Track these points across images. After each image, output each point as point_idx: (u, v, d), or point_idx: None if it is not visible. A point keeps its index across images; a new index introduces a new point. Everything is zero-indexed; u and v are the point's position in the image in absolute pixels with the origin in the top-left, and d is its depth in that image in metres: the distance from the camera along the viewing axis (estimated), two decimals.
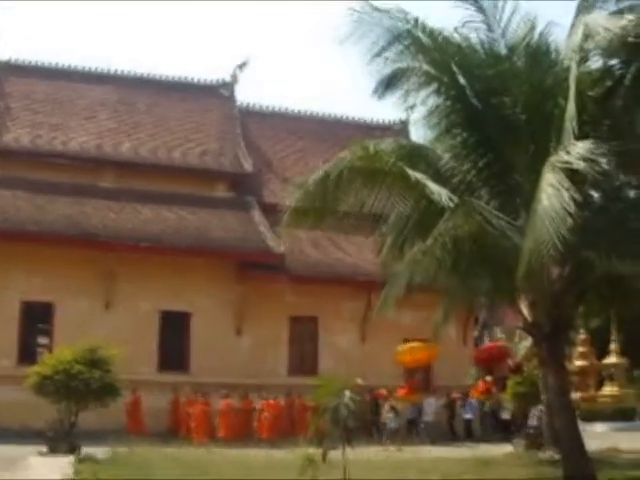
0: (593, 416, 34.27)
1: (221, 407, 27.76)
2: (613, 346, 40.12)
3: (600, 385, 40.85)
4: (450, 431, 31.18)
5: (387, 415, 28.53)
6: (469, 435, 30.09)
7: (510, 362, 45.64)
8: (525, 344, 43.88)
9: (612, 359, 40.12)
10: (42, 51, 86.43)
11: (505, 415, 30.33)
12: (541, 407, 29.29)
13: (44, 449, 20.30)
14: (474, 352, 32.25)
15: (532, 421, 28.74)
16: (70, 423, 20.94)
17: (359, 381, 8.84)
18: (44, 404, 21.66)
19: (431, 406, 29.82)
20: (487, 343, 32.09)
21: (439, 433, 29.41)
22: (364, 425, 28.13)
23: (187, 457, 17.57)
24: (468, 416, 30.84)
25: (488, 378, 36.33)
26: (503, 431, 30.28)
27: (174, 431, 27.24)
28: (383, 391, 29.77)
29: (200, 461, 17.34)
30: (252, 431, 27.85)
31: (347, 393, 8.53)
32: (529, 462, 20.56)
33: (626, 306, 19.54)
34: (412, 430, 29.58)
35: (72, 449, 19.45)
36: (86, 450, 19.07)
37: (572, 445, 15.44)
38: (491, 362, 32.17)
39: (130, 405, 26.60)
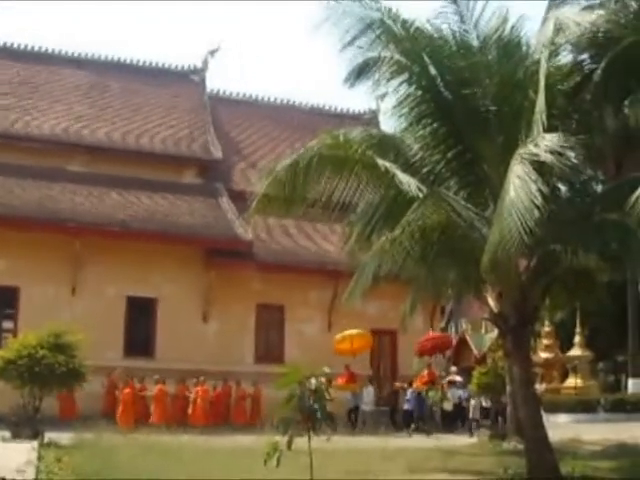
0: (556, 407, 34.60)
1: (154, 393, 27.37)
2: (577, 339, 40.58)
3: (564, 377, 41.29)
4: (391, 421, 30.84)
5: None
6: (408, 426, 29.62)
7: (475, 352, 46.01)
8: (491, 335, 44.24)
9: (576, 352, 40.58)
10: (13, 33, 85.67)
11: (448, 406, 30.09)
12: (482, 398, 29.72)
13: (7, 434, 20.16)
14: (418, 342, 31.60)
15: (475, 414, 29.04)
16: (34, 408, 20.80)
17: (325, 369, 8.83)
18: (7, 389, 21.53)
19: (370, 395, 29.37)
20: (430, 333, 31.42)
21: (381, 423, 28.77)
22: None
23: (154, 443, 17.49)
24: (407, 406, 30.42)
25: (453, 369, 36.54)
26: (447, 422, 30.23)
27: (108, 415, 26.26)
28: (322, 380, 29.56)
29: (166, 447, 17.27)
30: (186, 418, 27.34)
31: (313, 381, 8.53)
32: (492, 452, 20.69)
33: (591, 299, 19.71)
34: (351, 419, 29.20)
35: (35, 434, 19.32)
36: (50, 436, 18.94)
37: (535, 435, 15.56)
38: (434, 352, 31.76)
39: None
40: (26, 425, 20.27)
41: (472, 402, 29.02)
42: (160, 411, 26.95)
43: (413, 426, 28.64)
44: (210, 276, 30.75)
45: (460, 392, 30.46)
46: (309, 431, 8.58)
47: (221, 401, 28.79)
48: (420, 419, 29.64)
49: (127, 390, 26.33)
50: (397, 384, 31.59)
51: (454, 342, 32.84)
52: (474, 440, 24.40)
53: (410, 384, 31.02)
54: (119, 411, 26.18)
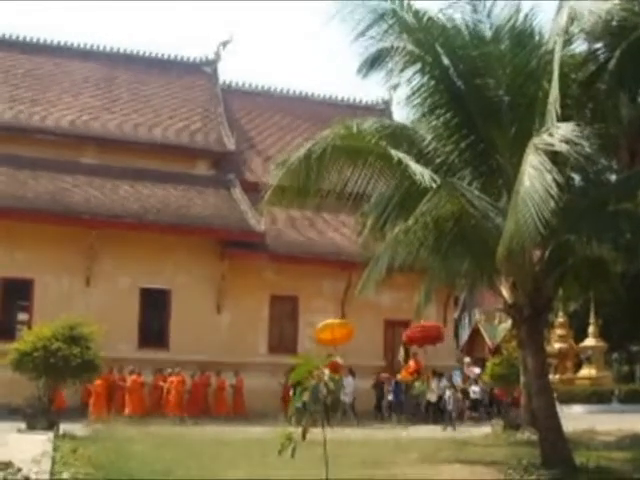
0: (570, 398, 34.61)
1: (129, 383, 27.16)
2: (591, 329, 40.47)
3: (578, 368, 41.23)
4: (376, 412, 30.38)
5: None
6: (390, 417, 29.26)
7: (489, 343, 45.96)
8: (504, 326, 44.22)
9: (590, 342, 40.49)
10: (23, 26, 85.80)
11: (433, 397, 29.71)
12: (445, 382, 29.53)
13: (22, 426, 20.26)
14: (407, 330, 31.02)
15: (432, 396, 28.78)
16: (49, 400, 20.88)
17: (339, 360, 8.84)
18: (22, 381, 21.61)
19: (349, 386, 28.37)
20: (421, 322, 30.67)
21: (365, 414, 28.65)
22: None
23: (166, 434, 17.57)
24: (391, 397, 30.03)
25: (467, 359, 36.44)
26: (431, 413, 29.86)
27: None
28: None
29: (180, 439, 17.35)
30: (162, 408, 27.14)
31: (327, 372, 8.51)
32: (506, 442, 20.67)
33: (605, 289, 19.64)
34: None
35: (50, 426, 19.40)
36: (65, 427, 19.02)
37: (549, 426, 15.54)
38: (424, 342, 31.01)
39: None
40: (41, 416, 20.36)
41: (447, 394, 28.53)
42: (135, 402, 26.73)
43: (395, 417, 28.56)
44: (223, 267, 30.81)
45: (444, 383, 29.98)
46: (323, 422, 8.57)
47: (199, 391, 28.58)
48: (398, 409, 29.44)
49: (98, 382, 25.35)
50: (383, 375, 31.07)
51: (444, 333, 31.80)
52: (488, 430, 24.36)
53: (394, 375, 30.77)
54: (91, 402, 25.97)
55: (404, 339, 31.21)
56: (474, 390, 31.60)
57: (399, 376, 30.52)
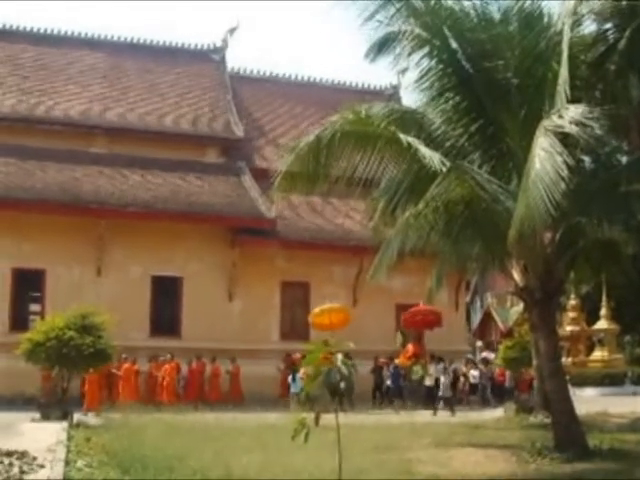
0: (583, 381, 34.54)
1: (122, 372, 26.70)
2: (603, 311, 40.34)
3: (590, 350, 41.14)
4: (374, 397, 29.98)
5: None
6: (390, 402, 28.86)
7: (501, 327, 45.92)
8: (516, 309, 44.19)
9: (602, 324, 40.37)
10: (30, 16, 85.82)
11: (428, 382, 29.43)
12: (443, 365, 29.34)
13: (37, 416, 20.37)
14: (404, 315, 30.64)
15: (446, 392, 28.39)
16: (62, 390, 20.97)
17: (351, 345, 8.82)
18: (36, 371, 21.69)
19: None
20: (420, 305, 30.20)
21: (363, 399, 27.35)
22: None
23: (180, 423, 17.60)
24: (389, 382, 29.70)
25: (479, 344, 36.44)
26: (427, 398, 29.60)
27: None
28: (298, 355, 28.23)
29: (193, 426, 17.37)
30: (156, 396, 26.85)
31: (339, 357, 8.52)
32: (519, 426, 20.68)
33: (616, 271, 19.58)
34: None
35: (64, 415, 19.50)
36: (79, 416, 19.11)
37: (562, 409, 15.55)
38: (422, 326, 30.56)
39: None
40: (55, 406, 20.46)
41: (442, 379, 28.26)
42: (128, 390, 26.30)
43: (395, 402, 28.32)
44: (234, 255, 30.83)
45: (441, 367, 29.79)
46: (336, 407, 8.58)
47: (195, 378, 28.35)
48: (396, 394, 29.17)
49: (92, 370, 24.31)
50: (381, 359, 30.75)
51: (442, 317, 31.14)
52: (501, 413, 24.35)
53: (391, 360, 30.47)
54: (86, 390, 25.29)
55: (402, 323, 30.93)
56: (473, 375, 31.61)
57: (397, 361, 30.22)
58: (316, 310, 27.76)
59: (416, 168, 15.13)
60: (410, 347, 30.41)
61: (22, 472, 11.41)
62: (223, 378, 28.65)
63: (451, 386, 29.45)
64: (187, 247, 30.57)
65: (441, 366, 29.59)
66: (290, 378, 27.25)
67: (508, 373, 31.64)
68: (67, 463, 12.10)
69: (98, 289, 28.87)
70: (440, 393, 28.19)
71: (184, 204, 30.57)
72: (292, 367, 28.09)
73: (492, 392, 31.74)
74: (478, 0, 16.07)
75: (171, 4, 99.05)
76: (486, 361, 34.13)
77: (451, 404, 27.19)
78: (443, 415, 25.18)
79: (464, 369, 32.29)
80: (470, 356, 34.95)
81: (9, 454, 12.66)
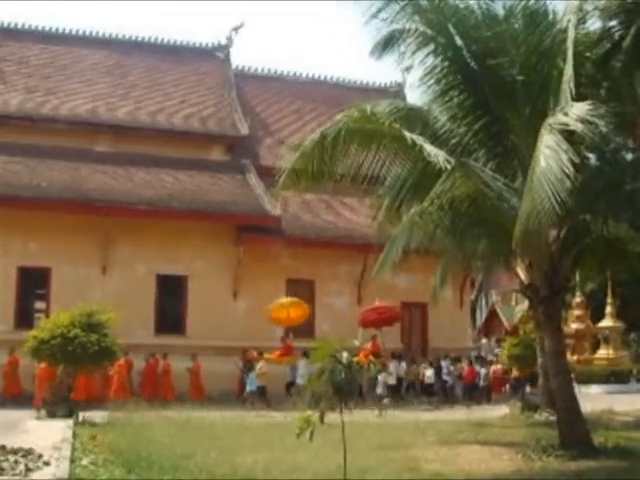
0: (588, 379, 34.54)
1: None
2: (609, 309, 40.29)
3: (595, 348, 41.09)
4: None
5: (263, 377, 26.95)
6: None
7: (506, 324, 45.81)
8: (521, 307, 44.13)
9: (607, 322, 40.31)
10: (36, 15, 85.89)
11: (391, 380, 28.99)
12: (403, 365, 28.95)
13: (42, 413, 20.40)
14: (361, 312, 29.60)
15: (390, 379, 27.83)
16: (68, 387, 21.00)
17: (356, 343, 8.83)
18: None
19: (304, 368, 27.36)
20: (376, 302, 29.69)
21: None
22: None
23: (186, 420, 17.64)
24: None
25: (484, 341, 36.41)
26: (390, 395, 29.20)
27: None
28: (253, 352, 28.43)
29: (198, 423, 17.41)
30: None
31: (344, 355, 8.51)
32: (524, 423, 20.69)
33: (622, 269, 19.59)
34: (290, 393, 27.55)
35: (70, 413, 19.52)
36: (84, 414, 19.13)
37: (567, 407, 15.55)
38: (380, 323, 29.90)
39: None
40: (61, 404, 20.49)
41: (379, 378, 27.81)
42: (81, 387, 24.40)
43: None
44: (239, 252, 30.81)
45: (403, 365, 29.46)
46: (341, 405, 8.58)
47: (149, 376, 27.78)
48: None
49: (40, 368, 23.84)
50: (249, 353, 29.36)
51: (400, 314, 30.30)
52: (506, 411, 24.33)
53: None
54: (35, 388, 24.35)
55: (359, 321, 29.62)
56: (427, 375, 30.75)
57: (354, 359, 28.97)
58: (274, 304, 27.38)
59: (421, 166, 15.12)
60: (370, 344, 29.55)
61: (28, 469, 11.44)
62: (184, 375, 27.79)
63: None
64: (192, 245, 30.57)
65: (404, 364, 29.46)
66: (245, 376, 26.99)
67: (483, 371, 31.54)
68: (72, 461, 12.13)
69: (103, 287, 28.88)
70: (378, 391, 27.61)
71: (189, 202, 30.55)
72: (249, 364, 27.99)
73: (463, 391, 31.35)
74: None
75: (176, 3, 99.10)
76: (482, 359, 33.94)
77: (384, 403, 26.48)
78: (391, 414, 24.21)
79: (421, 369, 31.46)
80: (474, 354, 34.69)
81: (15, 452, 12.71)
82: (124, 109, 34.89)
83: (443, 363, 31.55)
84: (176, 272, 30.56)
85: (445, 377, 31.22)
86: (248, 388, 26.58)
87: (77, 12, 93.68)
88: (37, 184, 29.22)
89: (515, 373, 31.69)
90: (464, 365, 31.78)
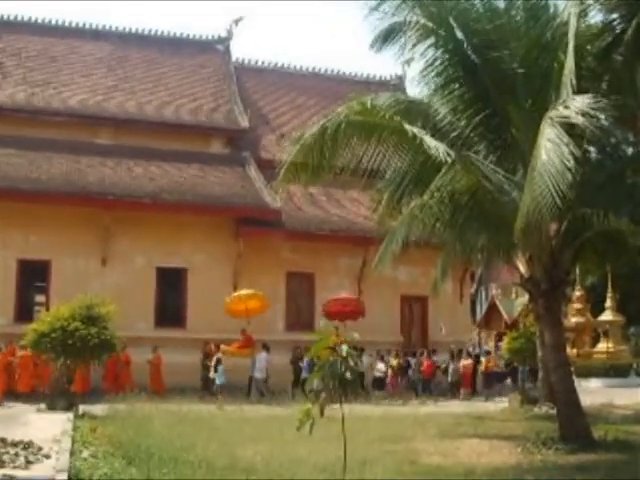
0: (588, 372, 34.60)
1: (18, 360, 25.50)
2: (609, 303, 40.33)
3: (595, 342, 41.15)
4: (293, 389, 27.93)
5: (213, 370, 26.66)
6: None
7: (506, 318, 45.78)
8: (521, 300, 44.14)
9: (607, 316, 40.36)
10: (35, 7, 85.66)
11: (348, 374, 28.24)
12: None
13: (42, 406, 20.42)
14: (325, 304, 29.05)
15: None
16: (68, 380, 21.01)
17: (356, 336, 8.81)
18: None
19: (262, 362, 27.14)
20: (340, 294, 29.36)
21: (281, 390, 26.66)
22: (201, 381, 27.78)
23: (186, 413, 17.64)
24: (304, 374, 27.70)
25: (482, 335, 36.36)
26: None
27: None
28: (212, 345, 28.22)
29: (198, 416, 17.41)
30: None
31: (344, 348, 8.51)
32: (524, 417, 20.72)
33: (622, 262, 19.58)
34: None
35: (70, 406, 19.54)
36: (84, 407, 19.15)
37: (567, 400, 15.56)
38: (344, 316, 29.45)
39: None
40: (61, 397, 20.51)
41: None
42: (26, 378, 25.15)
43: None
44: (239, 245, 30.80)
45: (365, 358, 28.86)
46: (341, 398, 8.57)
47: (110, 368, 26.24)
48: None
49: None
50: (299, 350, 29.29)
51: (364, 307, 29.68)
52: (506, 404, 24.35)
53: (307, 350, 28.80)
54: None
55: (324, 314, 29.10)
56: (378, 368, 30.09)
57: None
58: (231, 297, 27.01)
59: (421, 159, 15.11)
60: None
61: (28, 462, 11.46)
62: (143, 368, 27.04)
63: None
64: (192, 238, 30.54)
65: (372, 358, 29.27)
66: (213, 369, 26.52)
67: (452, 366, 31.03)
68: (72, 453, 12.14)
69: (103, 280, 28.87)
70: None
71: (189, 195, 30.53)
72: (208, 357, 27.77)
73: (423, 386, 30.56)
74: None
75: None
76: (467, 353, 33.28)
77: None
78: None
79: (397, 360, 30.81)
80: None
81: (15, 444, 12.73)
82: (124, 102, 34.82)
83: (410, 359, 31.01)
84: (176, 265, 30.55)
85: (410, 372, 30.59)
86: (217, 381, 26.06)
87: (76, 4, 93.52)
88: (37, 177, 29.19)
89: (486, 366, 31.57)
90: (422, 359, 30.95)
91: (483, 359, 33.09)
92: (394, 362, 29.95)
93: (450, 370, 31.19)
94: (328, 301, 29.04)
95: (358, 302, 29.45)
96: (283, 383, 27.41)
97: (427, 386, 30.48)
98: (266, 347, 27.92)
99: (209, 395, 25.38)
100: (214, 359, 26.86)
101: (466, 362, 31.37)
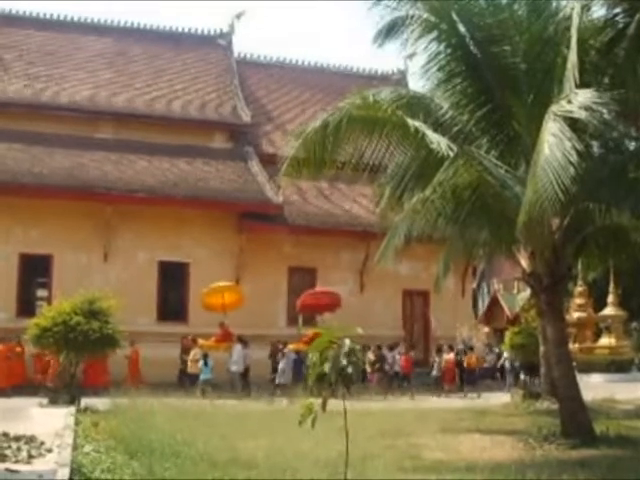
0: (590, 367, 34.61)
1: None
2: (611, 298, 40.33)
3: (597, 337, 41.16)
4: (272, 383, 27.44)
5: (195, 364, 26.42)
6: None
7: (508, 313, 45.75)
8: (523, 295, 44.15)
9: (609, 311, 40.37)
10: (36, 2, 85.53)
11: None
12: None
13: (44, 401, 20.42)
14: (301, 297, 29.08)
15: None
16: (70, 375, 21.01)
17: (359, 331, 8.79)
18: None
19: (238, 355, 26.81)
20: (316, 288, 29.14)
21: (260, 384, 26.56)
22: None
23: (188, 407, 17.63)
24: (281, 366, 27.33)
25: (486, 329, 36.37)
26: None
27: None
28: (189, 338, 28.11)
29: (200, 411, 17.41)
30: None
31: (347, 342, 8.48)
32: (525, 412, 20.69)
33: (624, 258, 19.52)
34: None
35: (72, 400, 19.54)
36: (86, 401, 19.15)
37: (569, 395, 15.53)
38: (319, 309, 28.85)
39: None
40: (63, 391, 20.51)
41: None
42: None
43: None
44: (242, 240, 30.83)
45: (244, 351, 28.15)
46: (344, 392, 8.55)
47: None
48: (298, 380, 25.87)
49: None
50: (279, 344, 28.86)
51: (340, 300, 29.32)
52: (508, 399, 24.35)
53: (285, 345, 28.35)
54: None
55: (299, 307, 29.17)
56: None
57: (291, 346, 27.95)
58: (208, 289, 26.79)
59: (424, 153, 15.07)
60: (310, 332, 28.29)
61: (30, 456, 11.45)
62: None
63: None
64: (194, 233, 30.57)
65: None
66: (201, 363, 26.10)
67: (437, 362, 30.77)
68: (74, 448, 12.12)
69: (105, 274, 28.91)
70: (277, 380, 26.91)
71: (191, 189, 30.56)
72: (185, 351, 27.58)
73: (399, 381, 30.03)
74: None
75: None
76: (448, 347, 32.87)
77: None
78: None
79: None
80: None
81: (17, 439, 12.72)
82: (125, 96, 34.85)
83: (386, 352, 30.24)
84: (178, 259, 30.59)
85: (386, 367, 29.82)
86: (202, 376, 25.72)
87: None
88: (39, 171, 29.23)
89: (468, 363, 31.33)
90: (395, 354, 30.33)
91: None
92: (371, 356, 29.20)
93: (435, 365, 30.99)
94: (304, 295, 28.97)
95: (333, 294, 29.26)
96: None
97: (405, 381, 29.89)
98: (242, 341, 27.51)
99: (183, 390, 24.62)
100: (192, 353, 26.66)
101: (448, 357, 30.77)
